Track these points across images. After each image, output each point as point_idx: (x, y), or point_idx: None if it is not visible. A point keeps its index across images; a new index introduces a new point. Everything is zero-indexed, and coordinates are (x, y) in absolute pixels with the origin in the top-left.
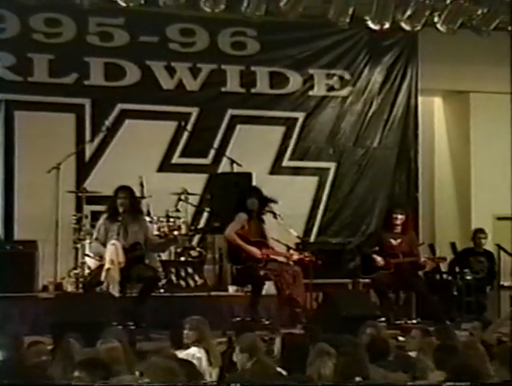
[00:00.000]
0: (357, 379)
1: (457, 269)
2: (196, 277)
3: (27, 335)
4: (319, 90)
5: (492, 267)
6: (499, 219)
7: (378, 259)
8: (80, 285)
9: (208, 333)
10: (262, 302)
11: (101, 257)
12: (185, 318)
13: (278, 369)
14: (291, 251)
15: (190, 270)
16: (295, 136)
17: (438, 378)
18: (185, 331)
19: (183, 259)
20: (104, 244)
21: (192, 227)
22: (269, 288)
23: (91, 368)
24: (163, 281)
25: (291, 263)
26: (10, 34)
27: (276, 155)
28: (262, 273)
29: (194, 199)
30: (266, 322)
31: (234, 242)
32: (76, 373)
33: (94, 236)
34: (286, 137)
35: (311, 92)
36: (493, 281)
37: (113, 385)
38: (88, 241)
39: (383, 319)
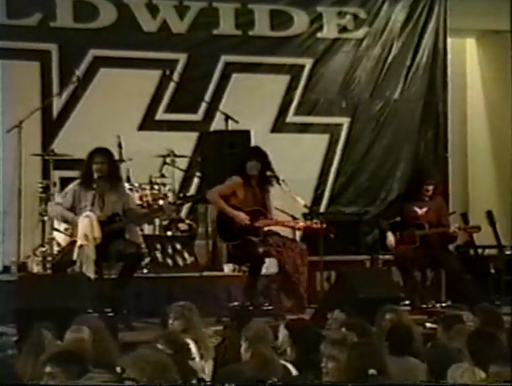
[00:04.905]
0: (371, 371)
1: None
2: (186, 255)
3: None
4: (329, 31)
5: None
6: None
7: (390, 238)
8: (49, 266)
9: (197, 320)
10: (262, 283)
11: (66, 222)
12: (172, 303)
13: (283, 362)
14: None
15: (178, 246)
16: (301, 86)
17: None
18: (169, 321)
19: (170, 233)
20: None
21: (181, 196)
22: (270, 266)
23: (65, 362)
24: (147, 260)
25: (298, 240)
26: None
27: (279, 109)
28: (261, 248)
29: (182, 163)
30: (269, 307)
31: (216, 205)
32: (48, 369)
33: (56, 200)
34: (291, 88)
35: (319, 34)
36: None
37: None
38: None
39: (407, 302)
